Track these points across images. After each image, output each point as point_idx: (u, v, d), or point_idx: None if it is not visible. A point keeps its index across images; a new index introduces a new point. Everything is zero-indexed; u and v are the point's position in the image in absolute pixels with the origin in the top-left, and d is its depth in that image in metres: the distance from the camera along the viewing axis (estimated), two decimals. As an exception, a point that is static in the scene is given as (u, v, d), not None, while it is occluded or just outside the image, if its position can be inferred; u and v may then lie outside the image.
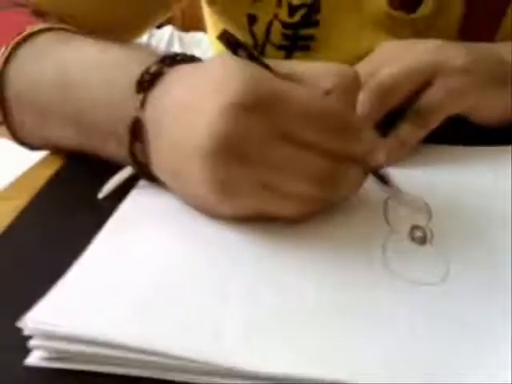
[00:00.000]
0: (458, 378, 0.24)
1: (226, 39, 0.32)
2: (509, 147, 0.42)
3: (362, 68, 0.41)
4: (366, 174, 0.34)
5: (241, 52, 0.32)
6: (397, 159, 0.40)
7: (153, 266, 0.30)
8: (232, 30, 0.59)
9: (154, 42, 1.50)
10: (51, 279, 0.27)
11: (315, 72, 0.32)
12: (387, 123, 0.41)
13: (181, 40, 1.52)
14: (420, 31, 0.53)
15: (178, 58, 0.33)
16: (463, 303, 0.28)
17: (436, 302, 0.29)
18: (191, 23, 1.50)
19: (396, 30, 0.53)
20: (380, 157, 0.40)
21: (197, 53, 0.37)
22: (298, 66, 0.33)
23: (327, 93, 0.31)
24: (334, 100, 0.31)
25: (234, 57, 0.32)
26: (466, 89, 0.39)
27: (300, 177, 0.30)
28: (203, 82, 0.31)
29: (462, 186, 0.38)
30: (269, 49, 0.57)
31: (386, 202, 0.36)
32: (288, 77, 0.32)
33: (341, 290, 0.29)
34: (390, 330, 0.27)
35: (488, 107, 0.40)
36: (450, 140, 0.43)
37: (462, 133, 0.43)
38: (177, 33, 1.54)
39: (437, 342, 0.26)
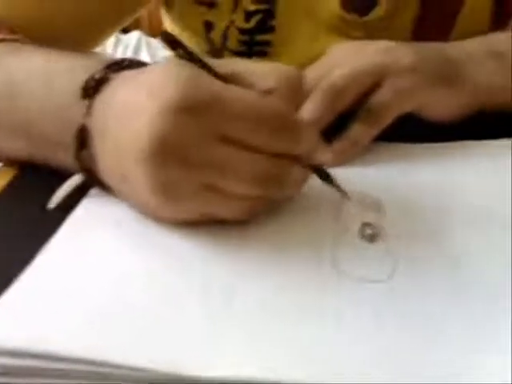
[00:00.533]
0: (404, 376, 0.25)
1: (165, 38, 0.33)
2: (461, 143, 0.42)
3: (314, 70, 0.42)
4: (308, 172, 0.34)
5: (180, 51, 0.33)
6: (349, 158, 0.41)
7: (105, 275, 0.30)
8: (190, 36, 0.59)
9: (121, 48, 1.49)
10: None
11: (258, 72, 0.33)
12: (339, 125, 0.42)
13: (148, 45, 1.51)
14: (373, 33, 0.54)
15: (125, 63, 0.34)
16: (410, 300, 0.29)
17: (383, 299, 0.29)
18: (159, 28, 1.48)
19: (349, 33, 0.53)
20: (328, 156, 0.40)
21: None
22: (241, 65, 0.34)
23: (269, 92, 0.32)
24: (275, 100, 0.32)
25: (177, 61, 0.32)
26: (414, 88, 0.40)
27: (241, 177, 0.30)
28: (144, 85, 0.31)
29: (415, 183, 0.39)
30: (226, 55, 0.57)
31: (338, 201, 0.37)
32: (231, 77, 0.32)
33: (288, 291, 0.29)
34: (336, 329, 0.27)
35: (437, 105, 0.41)
36: (402, 138, 0.43)
37: (415, 130, 0.44)
38: (144, 38, 1.53)
39: (384, 339, 0.27)
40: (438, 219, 0.35)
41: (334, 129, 0.42)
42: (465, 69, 0.41)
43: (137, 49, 1.50)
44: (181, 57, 0.33)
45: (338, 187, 0.35)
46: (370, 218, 0.35)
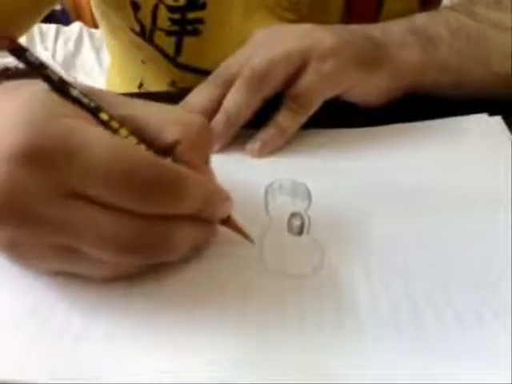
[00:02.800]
0: (330, 377, 0.24)
1: (11, 47, 0.26)
2: (392, 126, 0.42)
3: (237, 56, 0.41)
4: (209, 230, 0.30)
5: (49, 71, 0.27)
6: (276, 147, 0.40)
7: None
8: (119, 19, 0.57)
9: (62, 40, 1.44)
10: None
11: (160, 120, 0.28)
12: (267, 112, 0.41)
13: (91, 36, 1.47)
14: (306, 16, 0.53)
15: (10, 72, 0.30)
16: (335, 295, 0.28)
17: (308, 295, 0.28)
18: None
19: (281, 14, 0.52)
20: (255, 146, 0.39)
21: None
22: (141, 110, 0.29)
23: (175, 145, 0.28)
24: (149, 154, 0.27)
25: (41, 90, 0.27)
26: (337, 71, 0.38)
27: (101, 243, 0.25)
28: None
29: (345, 169, 0.38)
30: (158, 35, 0.55)
31: (266, 192, 0.36)
32: (127, 121, 0.28)
33: (212, 288, 0.28)
34: (260, 328, 0.26)
35: (363, 88, 0.40)
36: (334, 124, 0.43)
37: (347, 117, 0.43)
38: (86, 29, 1.48)
39: (307, 338, 0.26)
40: (368, 206, 0.34)
41: (263, 117, 0.41)
42: (388, 50, 0.40)
43: (78, 41, 1.46)
44: (50, 84, 0.27)
45: (242, 233, 0.31)
46: (299, 207, 0.35)
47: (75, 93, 0.27)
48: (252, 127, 0.41)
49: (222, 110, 0.39)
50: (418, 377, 0.24)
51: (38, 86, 0.27)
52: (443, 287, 0.28)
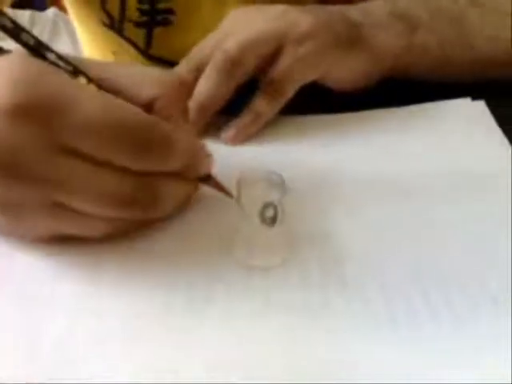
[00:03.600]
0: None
1: (2, 27, 0.26)
2: (370, 112, 0.40)
3: (209, 39, 0.39)
4: (192, 187, 0.31)
5: (25, 36, 0.27)
6: (252, 133, 0.38)
7: None
8: (87, 10, 0.55)
9: (38, 27, 1.40)
10: None
11: (138, 79, 0.29)
12: (242, 97, 0.39)
13: (66, 23, 1.43)
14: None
15: None
16: (302, 288, 0.27)
17: (275, 286, 0.27)
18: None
19: (254, 2, 0.51)
20: (230, 133, 0.37)
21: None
22: (120, 71, 0.29)
23: (153, 101, 0.28)
24: (139, 111, 0.27)
25: (28, 57, 0.27)
26: (314, 55, 0.37)
27: (93, 198, 0.26)
28: None
29: (324, 158, 0.36)
30: (127, 27, 0.53)
31: (238, 181, 0.34)
32: (105, 84, 0.28)
33: (180, 283, 0.27)
34: (225, 325, 0.25)
35: (341, 72, 0.39)
36: (312, 110, 0.41)
37: (325, 103, 0.41)
38: (62, 15, 1.44)
39: (275, 332, 0.25)
40: (347, 195, 0.33)
41: (237, 103, 0.39)
42: (367, 32, 0.39)
43: (54, 27, 1.42)
44: (24, 42, 0.27)
45: (236, 199, 0.31)
46: (272, 197, 0.33)
47: (52, 57, 0.27)
48: (227, 113, 0.39)
49: (193, 97, 0.38)
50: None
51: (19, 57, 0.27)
52: (431, 278, 0.27)
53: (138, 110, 0.26)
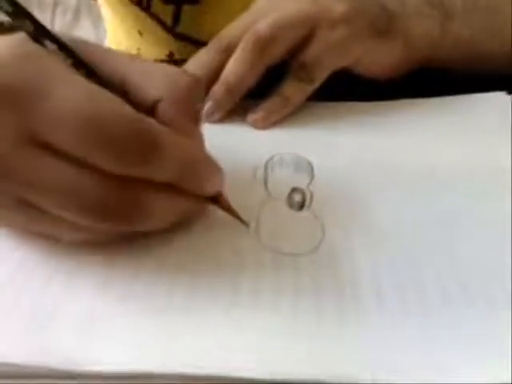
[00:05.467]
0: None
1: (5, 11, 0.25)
2: (401, 101, 0.39)
3: (240, 21, 0.38)
4: (195, 201, 0.27)
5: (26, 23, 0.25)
6: (279, 118, 0.37)
7: None
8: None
9: (60, 10, 1.41)
10: None
11: (149, 78, 0.26)
12: (272, 80, 0.38)
13: (89, 8, 1.43)
14: None
15: None
16: (334, 274, 0.26)
17: (305, 273, 0.26)
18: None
19: None
20: (258, 115, 0.37)
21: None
22: (125, 64, 0.26)
23: (158, 101, 0.25)
24: (125, 107, 0.23)
25: (26, 41, 0.24)
26: (347, 40, 0.36)
27: (63, 199, 0.22)
28: None
29: (351, 146, 0.36)
30: (156, 3, 0.52)
31: (266, 165, 0.34)
32: (117, 80, 0.26)
33: (207, 266, 0.26)
34: (252, 311, 0.24)
35: (373, 59, 0.38)
36: (342, 97, 0.40)
37: (353, 90, 0.40)
38: (84, 0, 1.45)
39: (301, 319, 0.24)
40: (373, 184, 0.32)
41: (265, 87, 0.38)
42: (401, 19, 0.38)
43: (76, 12, 1.42)
44: (26, 28, 0.25)
45: (234, 214, 0.28)
46: (300, 182, 0.32)
47: (52, 47, 0.25)
48: (253, 98, 0.38)
49: (222, 77, 0.37)
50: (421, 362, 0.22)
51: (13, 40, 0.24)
52: (451, 265, 0.26)
53: (125, 106, 0.23)
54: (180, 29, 0.54)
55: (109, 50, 0.27)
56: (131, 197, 0.23)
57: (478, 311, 0.24)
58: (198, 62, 0.38)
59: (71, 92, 0.22)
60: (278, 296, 0.25)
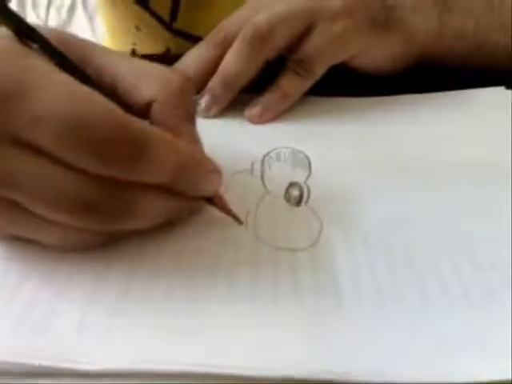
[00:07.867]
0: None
1: None
2: (398, 97, 0.39)
3: (237, 15, 0.38)
4: (189, 201, 0.26)
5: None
6: (277, 112, 0.37)
7: None
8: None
9: (54, 7, 1.40)
10: None
11: (141, 78, 0.26)
12: (270, 75, 0.38)
13: (84, 4, 1.42)
14: None
15: None
16: (331, 269, 0.25)
17: (302, 268, 0.25)
18: (96, -14, 1.40)
19: None
20: (256, 110, 0.36)
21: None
22: (117, 63, 0.26)
23: (151, 102, 0.25)
24: (111, 107, 0.22)
25: (8, 39, 0.24)
26: (347, 35, 0.36)
27: (46, 199, 0.22)
28: None
29: (350, 141, 0.35)
30: None
31: (263, 160, 0.33)
32: (101, 75, 0.25)
33: (203, 259, 0.26)
34: (251, 306, 0.24)
35: (372, 53, 0.38)
36: (340, 92, 0.40)
37: (350, 85, 0.40)
38: (80, -3, 1.44)
39: (300, 315, 0.23)
40: (371, 179, 0.32)
41: (263, 81, 0.38)
42: (402, 13, 0.37)
43: (71, 9, 1.41)
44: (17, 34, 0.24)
45: (230, 213, 0.28)
46: (298, 176, 0.32)
47: (36, 47, 0.24)
48: (250, 92, 0.38)
49: (219, 71, 0.37)
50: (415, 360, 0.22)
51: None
52: (449, 262, 0.26)
53: (112, 107, 0.22)
54: (178, 25, 0.54)
55: (100, 48, 0.27)
56: (117, 195, 0.23)
57: (477, 308, 0.24)
58: (195, 55, 0.38)
59: (54, 92, 0.21)
60: (275, 291, 0.24)
